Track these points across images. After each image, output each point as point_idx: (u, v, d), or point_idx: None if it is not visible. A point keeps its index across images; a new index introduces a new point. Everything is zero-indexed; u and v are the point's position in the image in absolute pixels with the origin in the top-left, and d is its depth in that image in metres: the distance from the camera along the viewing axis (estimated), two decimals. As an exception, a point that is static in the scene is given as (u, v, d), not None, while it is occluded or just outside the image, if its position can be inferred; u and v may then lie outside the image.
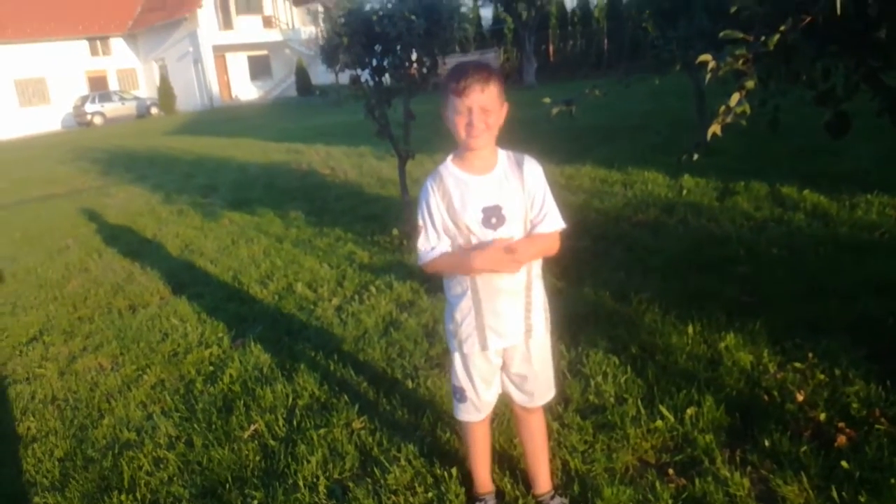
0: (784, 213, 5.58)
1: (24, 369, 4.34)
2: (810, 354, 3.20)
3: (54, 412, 3.70)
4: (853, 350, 3.18)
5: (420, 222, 2.12)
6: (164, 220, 8.32)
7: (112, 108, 35.99)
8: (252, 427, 3.22)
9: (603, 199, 6.71)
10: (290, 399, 3.43)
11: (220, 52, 38.85)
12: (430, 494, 2.59)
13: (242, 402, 3.45)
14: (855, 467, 2.40)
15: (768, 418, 2.77)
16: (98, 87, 39.62)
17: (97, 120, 35.26)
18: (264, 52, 41.20)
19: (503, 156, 2.13)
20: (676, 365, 3.30)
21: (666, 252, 4.98)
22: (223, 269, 5.91)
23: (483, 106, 1.98)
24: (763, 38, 2.26)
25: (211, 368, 3.94)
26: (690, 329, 3.61)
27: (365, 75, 6.15)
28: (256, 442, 3.11)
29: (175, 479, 2.93)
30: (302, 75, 34.96)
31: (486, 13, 30.67)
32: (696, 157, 2.87)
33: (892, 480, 2.29)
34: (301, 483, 2.75)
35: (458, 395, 2.30)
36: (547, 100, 3.28)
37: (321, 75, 29.48)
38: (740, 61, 2.28)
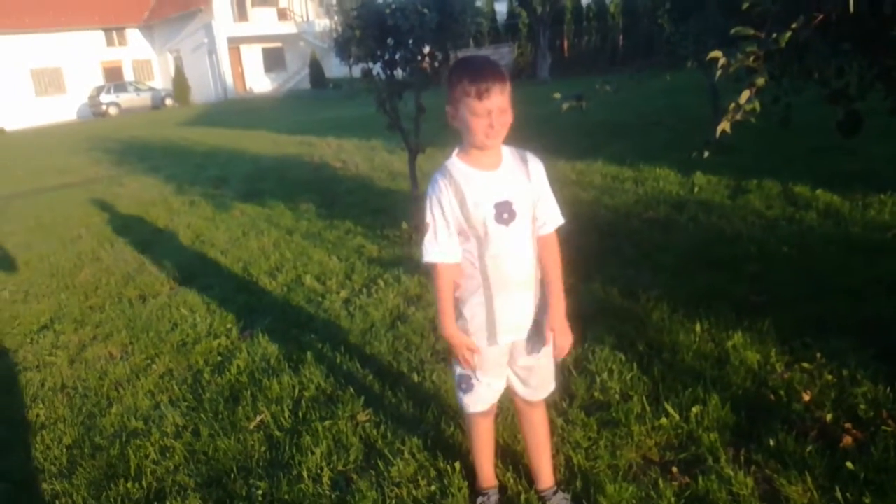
0: (796, 211, 5.53)
1: (34, 357, 4.39)
2: (818, 354, 3.18)
3: (63, 400, 3.74)
4: (862, 350, 3.15)
5: (428, 220, 2.07)
6: (176, 211, 8.37)
7: (127, 99, 36.22)
8: (258, 418, 3.24)
9: (614, 196, 6.68)
10: (297, 391, 3.45)
11: (235, 43, 38.96)
12: (433, 488, 2.59)
13: (249, 392, 3.48)
14: (860, 468, 2.38)
15: (774, 418, 2.76)
16: (113, 77, 39.87)
17: (112, 110, 35.50)
18: (279, 45, 41.27)
19: (506, 151, 2.12)
20: (683, 363, 3.29)
21: (676, 249, 4.96)
22: (233, 260, 5.94)
23: (501, 107, 1.98)
24: (775, 35, 2.24)
25: (219, 359, 3.97)
26: (698, 327, 3.60)
27: (377, 68, 6.15)
28: (262, 433, 3.13)
29: (181, 468, 2.95)
30: (316, 68, 34.99)
31: (501, 7, 30.53)
32: (706, 154, 2.86)
33: (898, 482, 2.27)
34: (305, 474, 2.77)
35: (464, 384, 2.29)
36: (557, 95, 3.28)
37: (335, 68, 29.54)
38: (751, 58, 2.26)
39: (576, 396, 3.08)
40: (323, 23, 37.13)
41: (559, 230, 2.21)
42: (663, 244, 5.11)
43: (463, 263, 2.12)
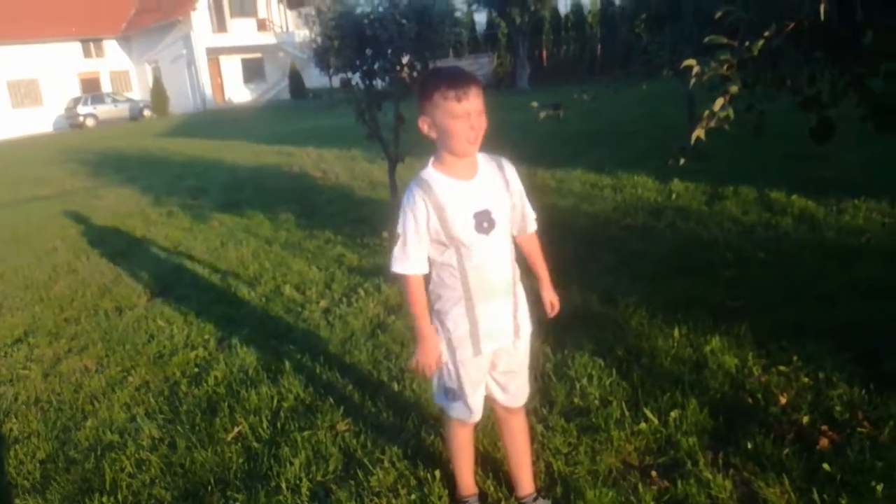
0: (772, 217, 5.60)
1: (8, 371, 4.31)
2: (795, 358, 3.22)
3: (37, 414, 3.68)
4: (838, 354, 3.19)
5: (399, 230, 2.06)
6: (153, 222, 8.29)
7: (104, 110, 35.85)
8: (236, 429, 3.20)
9: (593, 203, 6.72)
10: (275, 401, 3.42)
11: (214, 54, 38.78)
12: (413, 497, 2.58)
13: (227, 404, 3.44)
14: (837, 470, 2.41)
15: (752, 421, 2.78)
16: (91, 88, 39.47)
17: (89, 122, 35.12)
18: (258, 55, 41.14)
19: (481, 159, 2.13)
20: (661, 368, 3.31)
21: (654, 256, 4.99)
22: (211, 270, 5.89)
23: (479, 109, 1.99)
24: (748, 43, 2.27)
25: (196, 370, 3.92)
26: (676, 332, 3.62)
27: (356, 78, 6.15)
28: (240, 444, 3.09)
29: (157, 481, 2.91)
30: (295, 78, 34.90)
31: (481, 18, 30.71)
32: (682, 161, 2.89)
33: (873, 483, 2.29)
34: (284, 486, 2.74)
35: (450, 395, 2.28)
36: (535, 104, 3.29)
37: (315, 78, 29.42)
38: (725, 67, 2.29)
39: (556, 403, 3.08)
40: (302, 33, 36.94)
41: (539, 235, 2.25)
42: (641, 251, 5.15)
43: (443, 275, 2.12)
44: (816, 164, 6.91)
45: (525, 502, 2.45)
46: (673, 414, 2.87)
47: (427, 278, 2.17)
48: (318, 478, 2.77)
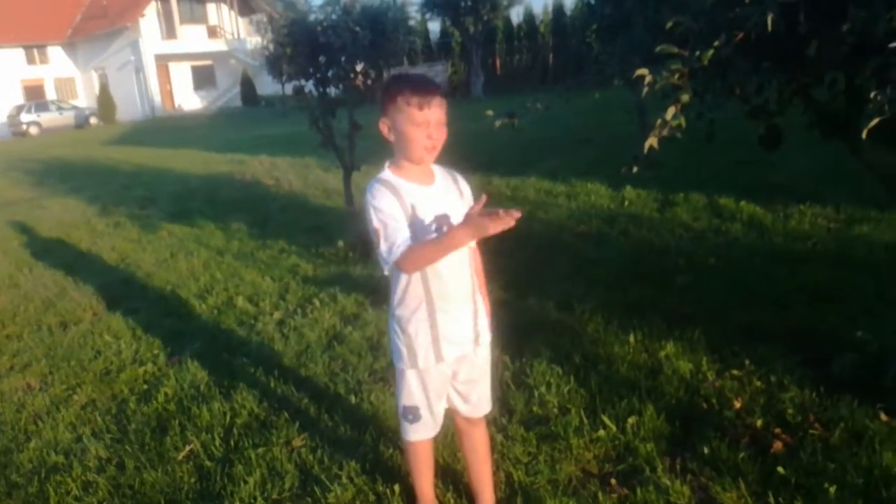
0: (721, 223, 5.72)
1: (-57, 391, 4.10)
2: (747, 361, 3.27)
3: (-25, 436, 3.50)
4: (788, 357, 3.26)
5: (376, 224, 1.97)
6: (100, 233, 8.04)
7: (49, 118, 34.77)
8: (187, 447, 3.10)
9: (547, 211, 6.77)
10: (228, 418, 3.32)
11: (163, 61, 38.04)
12: (372, 512, 2.53)
13: (177, 421, 3.33)
14: (791, 473, 2.44)
15: (707, 426, 2.81)
16: (34, 96, 38.31)
17: (33, 130, 33.99)
18: (209, 62, 40.50)
19: (436, 169, 2.13)
20: (618, 374, 3.33)
21: (608, 262, 5.05)
22: (161, 282, 5.73)
23: (439, 120, 1.98)
24: (698, 53, 2.30)
25: (145, 387, 3.79)
26: (632, 338, 3.65)
27: (309, 86, 6.07)
28: (192, 463, 2.99)
29: (105, 503, 2.79)
30: (247, 85, 34.49)
31: (434, 27, 30.84)
32: (635, 169, 2.91)
33: (826, 485, 2.33)
34: (238, 504, 2.66)
35: (411, 415, 2.23)
36: (490, 112, 3.29)
37: (267, 86, 29.13)
38: (676, 76, 2.31)
39: (515, 411, 3.07)
40: (254, 40, 36.56)
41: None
42: (596, 257, 5.20)
43: (404, 280, 2.08)
44: (763, 170, 7.10)
45: (486, 514, 2.42)
46: (630, 420, 2.89)
47: (387, 282, 2.13)
48: (274, 496, 2.70)
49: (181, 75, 40.05)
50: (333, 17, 5.63)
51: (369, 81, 6.05)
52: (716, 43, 2.27)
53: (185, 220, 8.08)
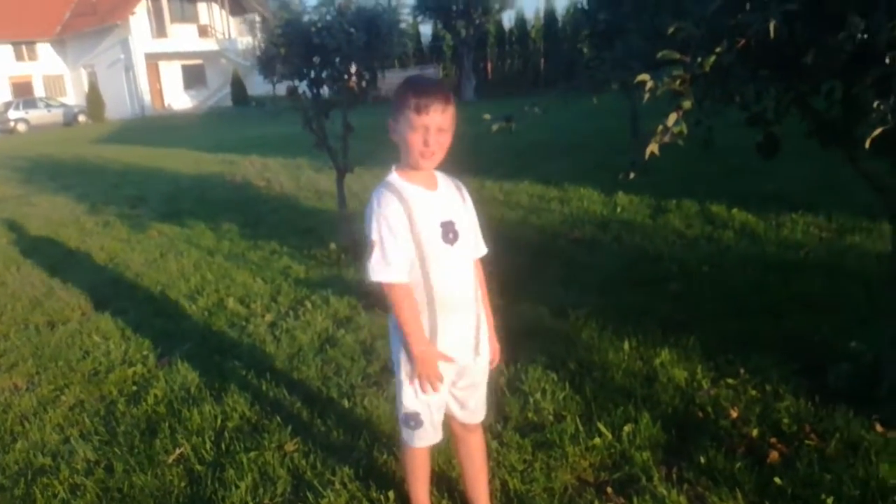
0: (714, 230, 5.73)
1: (-73, 391, 4.03)
2: (742, 370, 3.27)
3: (-40, 437, 3.44)
4: (783, 366, 3.25)
5: (374, 237, 1.95)
6: (89, 232, 7.95)
7: (37, 115, 34.49)
8: (177, 451, 3.06)
9: (540, 216, 6.76)
10: (219, 421, 3.28)
11: (153, 59, 37.83)
12: (365, 519, 2.50)
13: (167, 424, 3.28)
14: (787, 483, 2.43)
15: (703, 435, 2.80)
16: (23, 92, 38.01)
17: (21, 127, 33.70)
18: (199, 62, 40.31)
19: (439, 175, 2.11)
20: (613, 381, 3.32)
21: (602, 268, 5.04)
22: (150, 283, 5.67)
23: (440, 126, 1.94)
24: (700, 59, 2.29)
25: (134, 388, 3.74)
26: (626, 345, 3.64)
27: (303, 86, 6.03)
28: (182, 467, 2.95)
29: (92, 507, 2.75)
30: (238, 86, 34.37)
31: (426, 30, 30.87)
32: (632, 175, 2.90)
33: (823, 496, 2.32)
34: (229, 510, 2.62)
35: (413, 422, 2.19)
36: (487, 116, 3.27)
37: (257, 86, 29.03)
38: (678, 82, 2.30)
39: (510, 418, 3.04)
40: (245, 40, 36.43)
41: (488, 248, 2.24)
42: (589, 263, 5.19)
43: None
44: (756, 178, 7.13)
45: (481, 522, 2.40)
46: (626, 428, 2.87)
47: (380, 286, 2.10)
48: (266, 501, 2.66)
49: (171, 74, 39.84)
50: (328, 17, 5.60)
51: (363, 83, 6.02)
52: (718, 49, 2.26)
53: (175, 220, 8.01)
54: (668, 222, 6.12)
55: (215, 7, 40.05)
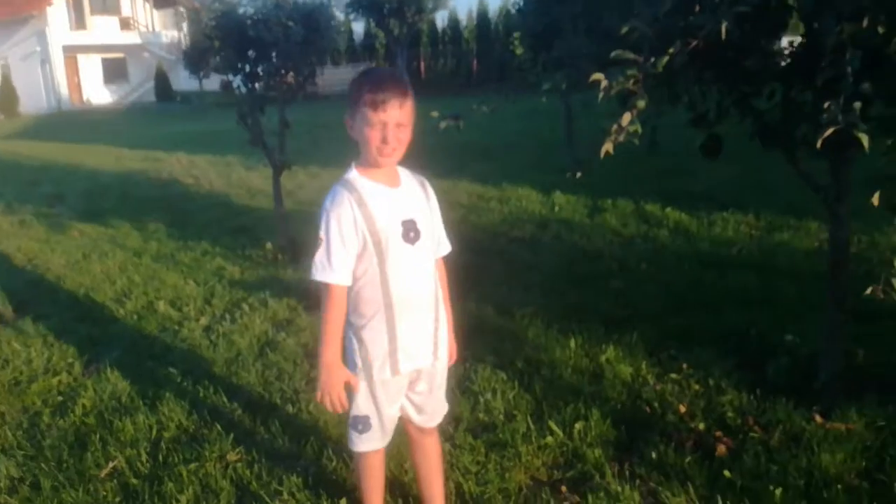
0: (649, 229, 5.86)
1: None
2: (685, 365, 3.33)
3: None
4: (723, 360, 3.33)
5: (322, 234, 1.91)
6: (4, 233, 7.48)
7: (-59, 109, 32.40)
8: (110, 464, 2.88)
9: (481, 215, 6.77)
10: (155, 431, 3.11)
11: (72, 52, 36.08)
12: (316, 529, 2.41)
13: (98, 436, 3.08)
14: (736, 476, 2.48)
15: (652, 430, 2.83)
16: (-76, 84, 35.60)
17: (-78, 121, 31.61)
18: (120, 55, 38.68)
19: (403, 172, 2.05)
20: (562, 379, 3.32)
21: (543, 267, 5.07)
22: (73, 286, 5.37)
23: (399, 122, 1.88)
24: (653, 59, 2.31)
25: (60, 399, 3.51)
26: (572, 343, 3.66)
27: (237, 81, 5.84)
28: (115, 481, 2.78)
29: (17, 528, 2.56)
30: (162, 80, 33.17)
31: (358, 27, 30.59)
32: (579, 174, 2.92)
33: (771, 487, 2.37)
34: (169, 525, 2.48)
35: (361, 425, 2.13)
36: (435, 114, 3.24)
37: (182, 81, 28.14)
38: (631, 81, 2.31)
39: (461, 419, 3.01)
40: (170, 34, 35.33)
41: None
42: (531, 262, 5.22)
43: (362, 287, 1.98)
44: (686, 178, 7.34)
45: (437, 527, 2.35)
46: (577, 426, 2.87)
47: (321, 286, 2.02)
48: (209, 514, 2.54)
49: (91, 68, 38.09)
50: (265, 10, 5.43)
51: (300, 79, 5.87)
52: (670, 50, 2.27)
53: (97, 220, 7.64)
54: (605, 221, 6.22)
55: (138, -1, 38.58)
